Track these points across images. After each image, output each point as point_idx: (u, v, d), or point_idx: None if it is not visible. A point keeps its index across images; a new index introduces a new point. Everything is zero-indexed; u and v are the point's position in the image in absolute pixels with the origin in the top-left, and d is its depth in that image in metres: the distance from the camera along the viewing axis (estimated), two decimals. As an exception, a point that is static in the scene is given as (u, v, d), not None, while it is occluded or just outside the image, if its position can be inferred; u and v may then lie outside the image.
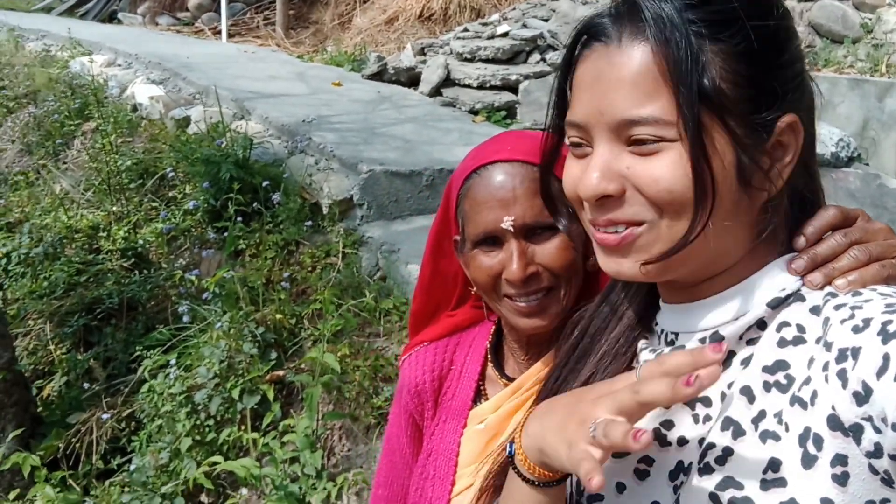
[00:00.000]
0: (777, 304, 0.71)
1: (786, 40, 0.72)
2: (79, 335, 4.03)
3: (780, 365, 0.69)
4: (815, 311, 0.69)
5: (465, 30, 6.17)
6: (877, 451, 0.61)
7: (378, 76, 6.22)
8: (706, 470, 0.69)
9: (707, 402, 0.73)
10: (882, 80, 5.04)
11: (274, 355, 3.35)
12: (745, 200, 0.71)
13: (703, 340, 0.74)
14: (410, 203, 4.13)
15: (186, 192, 4.33)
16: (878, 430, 0.60)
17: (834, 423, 0.62)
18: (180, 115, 5.05)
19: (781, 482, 0.65)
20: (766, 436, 0.67)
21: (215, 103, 5.06)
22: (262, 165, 4.22)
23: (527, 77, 5.49)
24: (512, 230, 1.01)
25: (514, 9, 6.48)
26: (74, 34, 6.74)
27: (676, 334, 0.77)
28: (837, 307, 0.67)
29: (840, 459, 0.62)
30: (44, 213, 4.65)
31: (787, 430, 0.66)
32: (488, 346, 1.19)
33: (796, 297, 0.71)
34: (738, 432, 0.68)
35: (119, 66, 6.33)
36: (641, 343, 0.82)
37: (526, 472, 0.76)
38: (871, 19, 5.92)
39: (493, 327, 1.19)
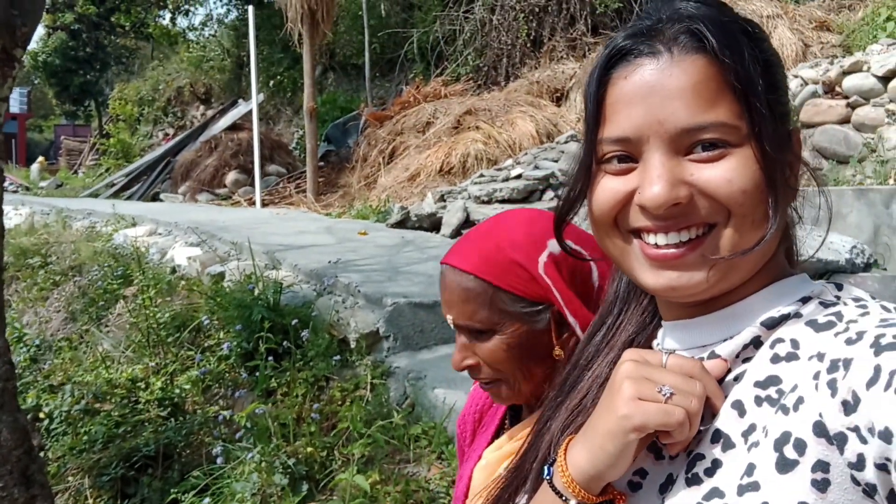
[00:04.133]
0: (773, 325, 0.72)
1: (779, 65, 0.76)
2: (116, 487, 4.07)
3: (773, 380, 0.69)
4: (812, 324, 0.70)
5: (482, 175, 6.54)
6: (859, 463, 0.60)
7: (402, 224, 6.54)
8: (694, 480, 0.70)
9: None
10: (886, 187, 5.18)
11: (305, 487, 3.35)
12: (784, 208, 0.74)
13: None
14: (435, 332, 4.23)
15: (220, 339, 4.49)
16: (863, 441, 0.60)
17: (819, 429, 0.63)
18: (216, 271, 5.33)
19: (755, 486, 0.65)
20: (752, 447, 0.67)
21: (248, 258, 5.36)
22: (291, 308, 4.40)
23: (542, 212, 5.74)
24: (452, 326, 1.13)
25: (525, 153, 6.86)
26: (118, 210, 7.25)
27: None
28: (833, 322, 0.69)
29: (822, 466, 0.62)
30: (85, 373, 4.83)
31: (765, 435, 0.66)
32: None
33: (794, 315, 0.72)
34: (728, 445, 0.69)
35: (160, 234, 6.75)
36: None
37: (568, 493, 0.75)
38: (872, 138, 6.14)
39: None
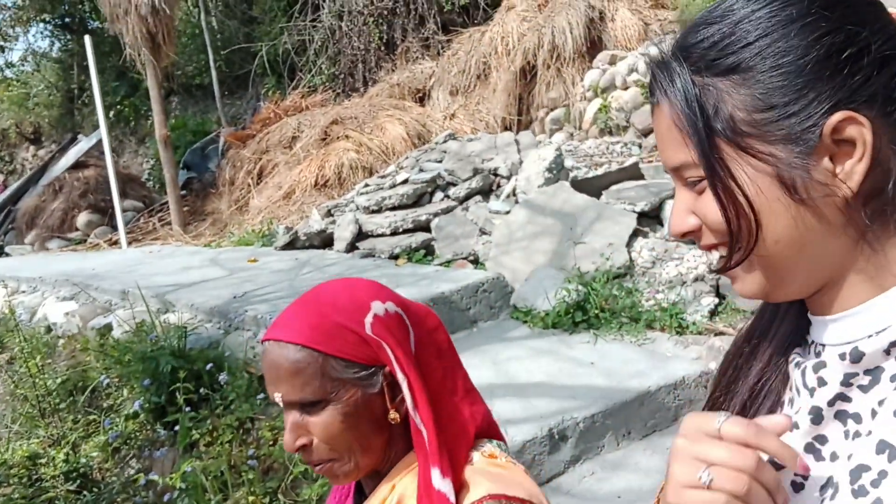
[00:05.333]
0: None
1: (815, 41, 0.69)
2: (31, 579, 3.66)
3: None
4: None
5: (367, 185, 6.41)
6: None
7: (291, 245, 6.30)
8: (860, 492, 0.68)
9: (857, 418, 0.72)
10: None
11: (256, 540, 3.14)
12: (813, 209, 0.70)
13: (842, 355, 0.72)
14: (358, 353, 4.10)
15: (125, 396, 4.14)
16: None
17: None
18: (100, 324, 4.91)
19: None
20: None
21: (133, 305, 4.97)
22: (199, 351, 4.12)
23: (436, 214, 5.71)
24: (282, 404, 1.09)
25: (406, 157, 6.81)
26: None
27: (823, 346, 0.76)
28: None
29: None
30: (-32, 458, 4.31)
31: None
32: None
33: None
34: (893, 455, 0.67)
35: (24, 292, 6.15)
36: (793, 355, 0.81)
37: None
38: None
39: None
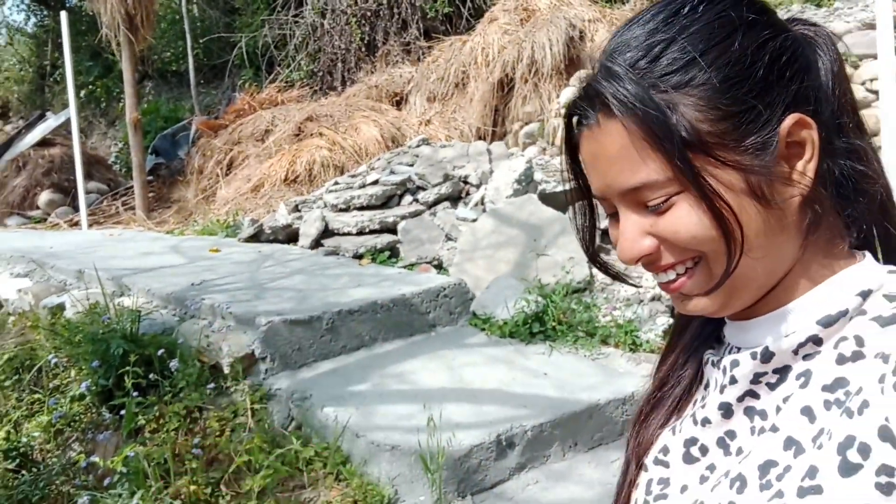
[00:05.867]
0: (829, 323, 0.71)
1: (759, 49, 0.71)
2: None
3: (840, 382, 0.69)
4: (877, 320, 0.70)
5: (336, 183, 6.39)
6: None
7: (255, 238, 6.25)
8: (766, 486, 0.70)
9: (763, 414, 0.75)
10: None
11: (195, 529, 3.10)
12: (776, 212, 0.72)
13: (753, 354, 0.75)
14: (314, 349, 4.08)
15: (72, 378, 4.06)
16: None
17: (885, 434, 0.63)
18: (53, 304, 4.82)
19: (817, 489, 0.65)
20: (817, 450, 0.68)
21: (88, 286, 4.88)
22: (152, 336, 4.06)
23: (403, 217, 5.71)
24: None
25: (378, 159, 6.80)
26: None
27: (738, 348, 0.79)
28: None
29: (886, 470, 0.62)
30: None
31: (829, 438, 0.66)
32: None
33: (856, 310, 0.71)
34: (799, 451, 0.69)
35: (-25, 266, 6.00)
36: (708, 352, 0.84)
37: None
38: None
39: None
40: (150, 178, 10.14)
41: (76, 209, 10.36)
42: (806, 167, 0.71)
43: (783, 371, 0.74)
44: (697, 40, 0.70)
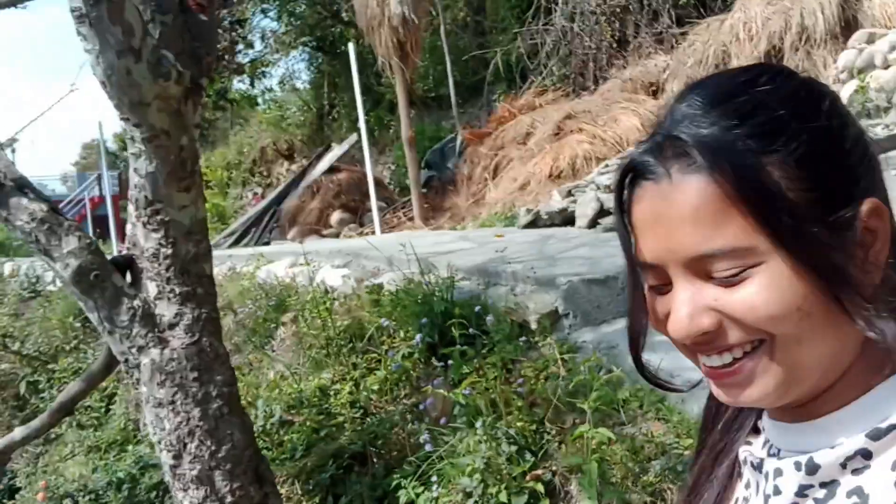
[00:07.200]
0: (879, 436, 0.65)
1: (841, 128, 0.68)
2: (324, 489, 4.21)
3: None
4: None
5: (607, 166, 6.58)
6: None
7: (532, 224, 6.62)
8: None
9: None
10: None
11: (528, 456, 3.40)
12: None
13: (797, 465, 0.69)
14: (612, 307, 4.26)
15: (398, 340, 4.63)
16: None
17: None
18: (373, 283, 5.50)
19: None
20: None
21: (399, 269, 5.50)
22: (463, 301, 4.51)
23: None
24: None
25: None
26: (259, 251, 7.56)
27: (779, 449, 0.74)
28: None
29: None
30: (268, 392, 5.04)
31: None
32: None
33: None
34: None
35: (301, 264, 7.01)
36: (744, 449, 0.79)
37: None
38: None
39: None
40: (424, 189, 11.07)
41: (362, 225, 11.61)
42: (878, 257, 0.66)
43: (831, 486, 0.68)
44: (788, 107, 0.65)
